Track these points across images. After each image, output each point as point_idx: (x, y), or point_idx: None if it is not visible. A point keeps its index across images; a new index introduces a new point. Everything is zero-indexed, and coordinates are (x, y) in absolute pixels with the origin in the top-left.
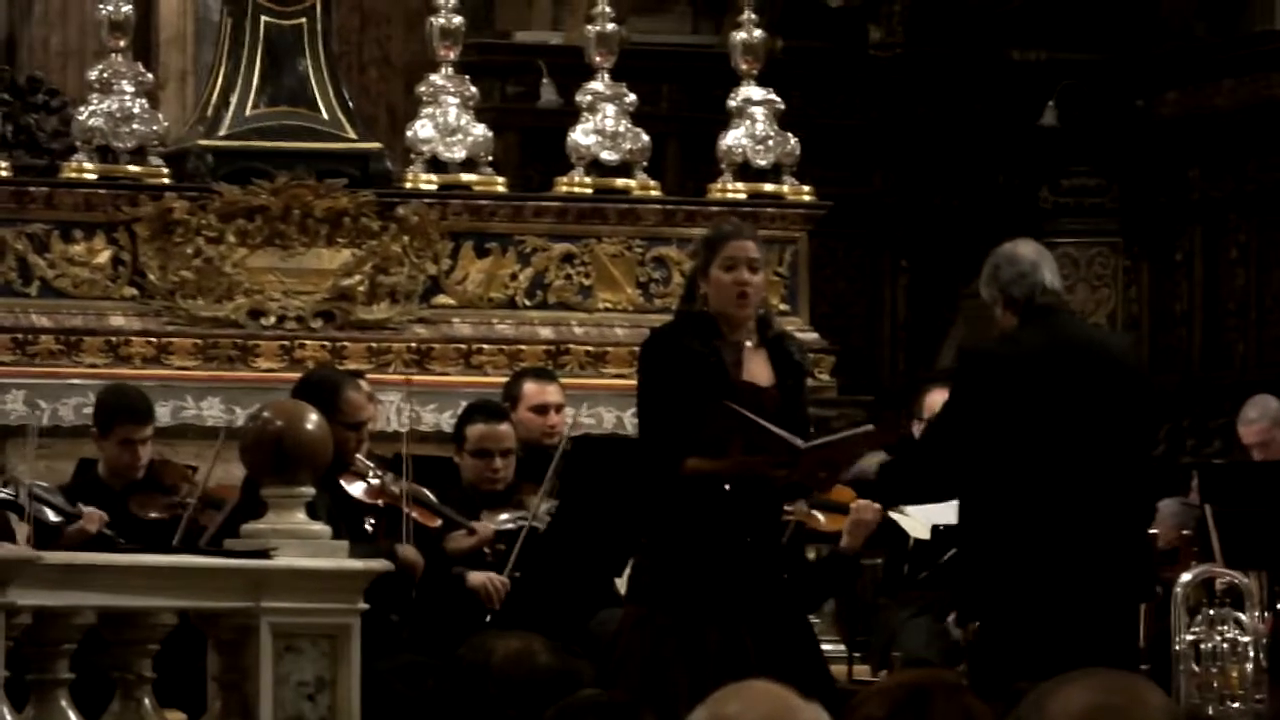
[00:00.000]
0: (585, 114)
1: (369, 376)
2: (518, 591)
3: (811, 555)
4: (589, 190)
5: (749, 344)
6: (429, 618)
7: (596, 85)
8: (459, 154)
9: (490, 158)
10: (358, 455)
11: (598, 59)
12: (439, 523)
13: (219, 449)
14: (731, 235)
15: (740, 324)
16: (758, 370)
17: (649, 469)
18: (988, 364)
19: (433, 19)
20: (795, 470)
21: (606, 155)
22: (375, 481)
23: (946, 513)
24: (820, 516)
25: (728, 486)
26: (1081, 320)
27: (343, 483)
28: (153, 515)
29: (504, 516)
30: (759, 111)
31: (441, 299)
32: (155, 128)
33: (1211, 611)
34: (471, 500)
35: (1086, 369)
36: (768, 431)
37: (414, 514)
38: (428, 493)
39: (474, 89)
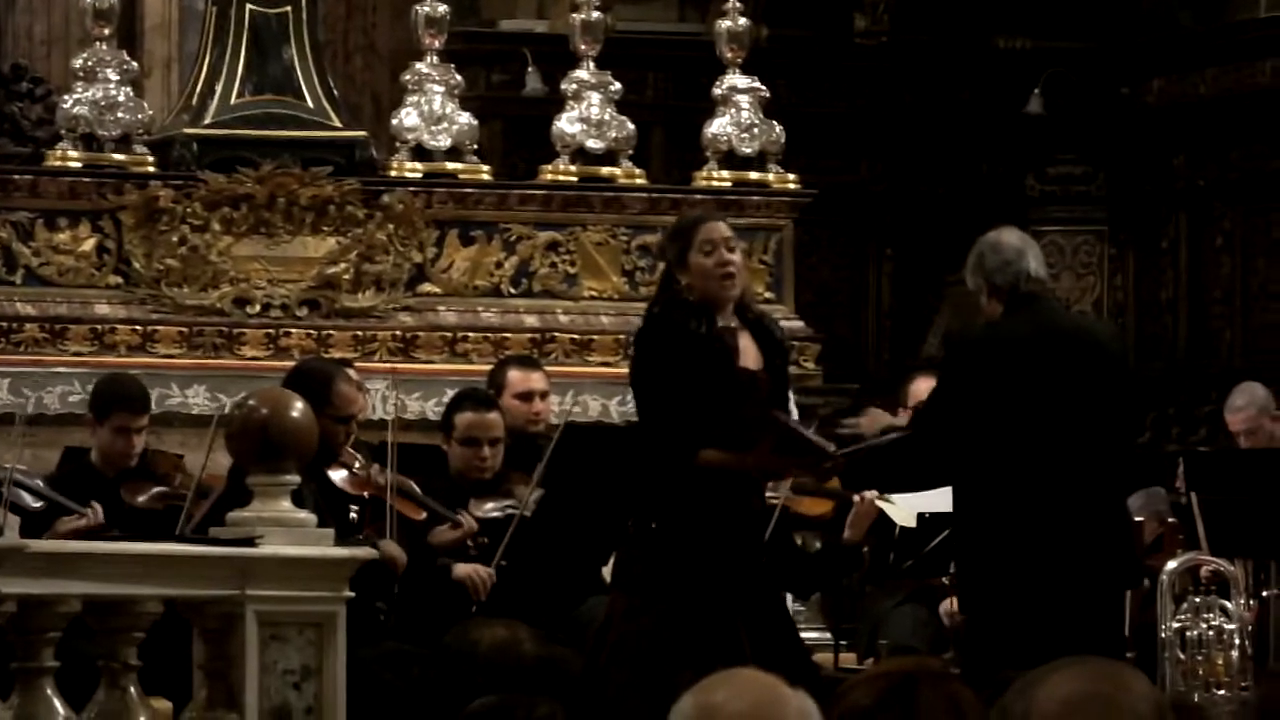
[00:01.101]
0: (570, 102)
1: (356, 365)
2: (504, 579)
3: (798, 541)
4: (574, 178)
5: (735, 326)
6: (414, 609)
7: (582, 73)
8: (444, 142)
9: (475, 146)
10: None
11: (583, 47)
12: (424, 515)
13: (211, 439)
14: (702, 219)
15: (726, 305)
16: (748, 354)
17: (659, 456)
18: (974, 352)
19: (418, 7)
20: (815, 472)
21: (592, 143)
22: (361, 472)
23: (932, 501)
24: (802, 500)
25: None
26: (1066, 308)
27: (329, 472)
28: (144, 504)
29: (490, 505)
30: (744, 100)
31: (427, 287)
32: (140, 116)
33: (1197, 599)
34: (459, 489)
35: (1072, 356)
36: (805, 438)
37: (399, 506)
38: (413, 485)
39: (459, 77)
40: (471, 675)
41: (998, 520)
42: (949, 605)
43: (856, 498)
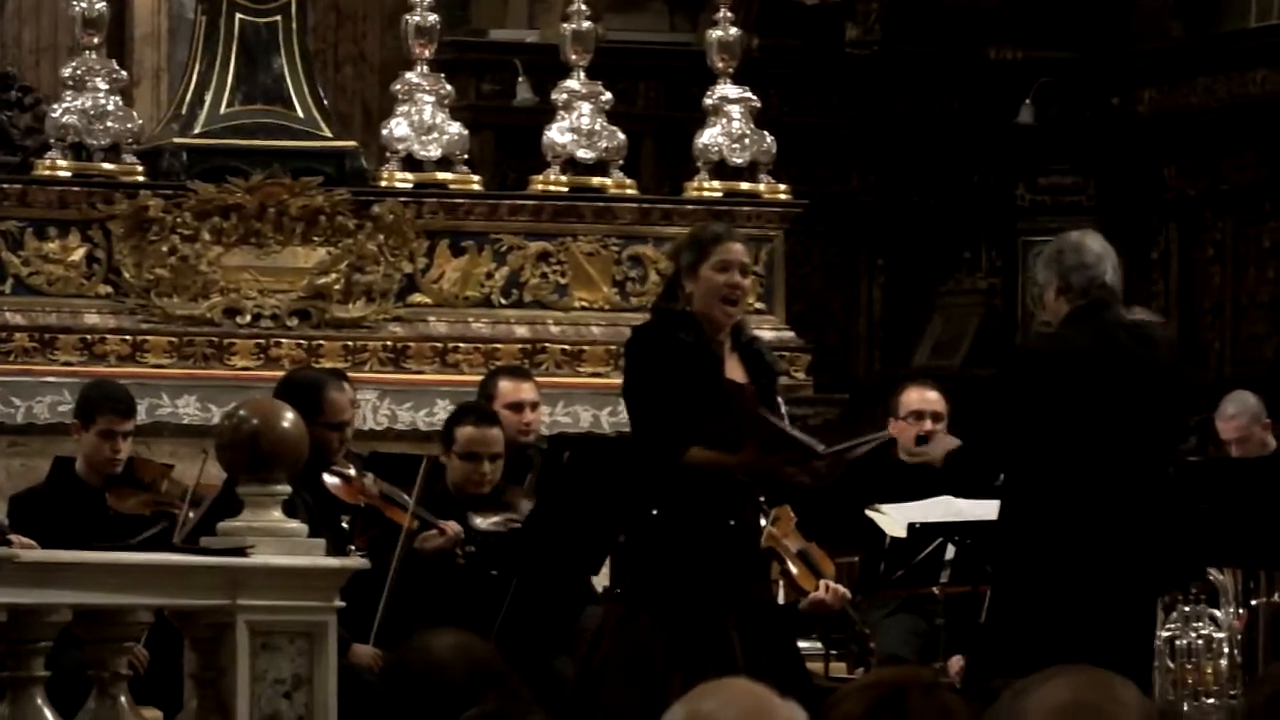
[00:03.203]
0: (561, 112)
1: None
2: (499, 590)
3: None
4: (565, 189)
5: (726, 345)
6: (405, 618)
7: (572, 83)
8: (434, 152)
9: (466, 156)
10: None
11: (574, 57)
12: (415, 525)
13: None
14: (725, 237)
15: (723, 326)
16: (734, 373)
17: (645, 458)
18: (1035, 362)
19: (408, 17)
20: (807, 469)
21: (582, 153)
22: (354, 482)
23: (923, 511)
24: (794, 570)
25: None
26: (1129, 316)
27: (324, 481)
28: (130, 511)
29: (489, 520)
30: (735, 110)
31: (417, 298)
32: (130, 125)
33: (1187, 608)
34: (457, 501)
35: (1129, 371)
36: (788, 435)
37: (390, 514)
38: (404, 495)
39: (449, 87)
40: (433, 684)
41: (1046, 529)
42: None
43: (824, 588)
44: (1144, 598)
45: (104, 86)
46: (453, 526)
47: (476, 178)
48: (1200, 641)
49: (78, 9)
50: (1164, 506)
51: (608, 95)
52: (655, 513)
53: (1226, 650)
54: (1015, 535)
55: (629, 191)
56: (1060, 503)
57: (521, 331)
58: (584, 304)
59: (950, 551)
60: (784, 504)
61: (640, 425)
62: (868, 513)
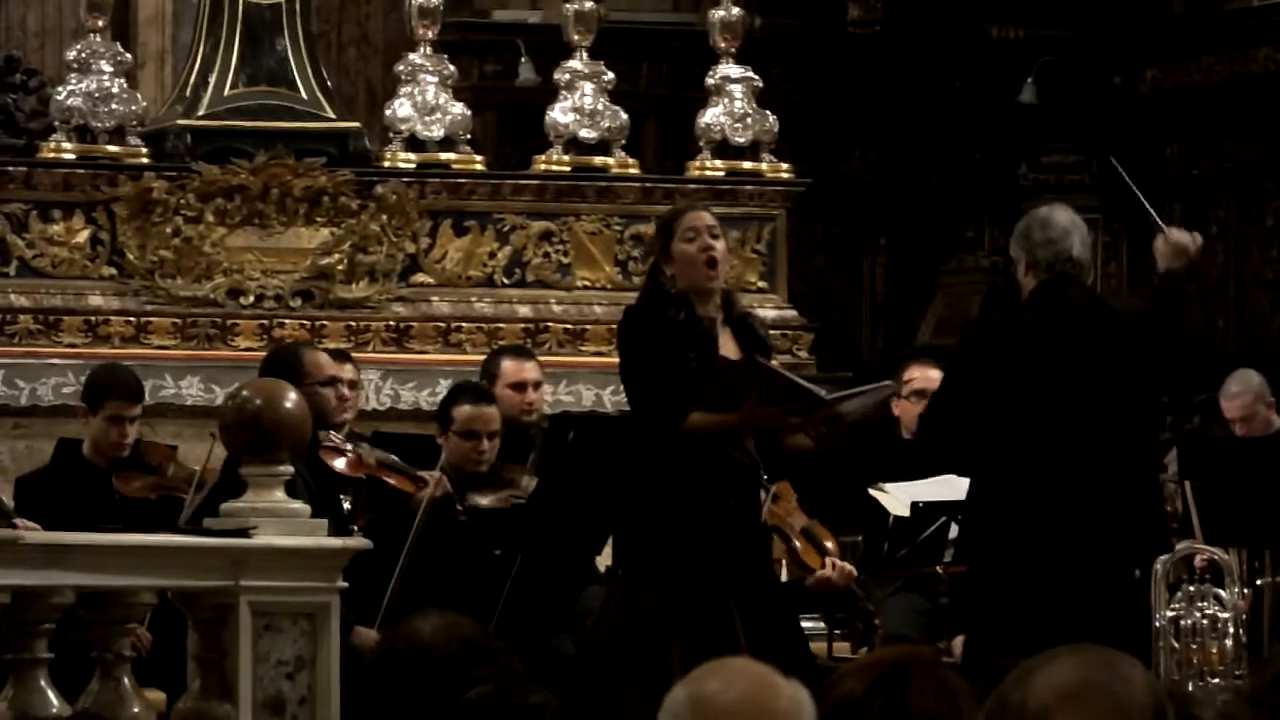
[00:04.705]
0: (563, 92)
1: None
2: (502, 570)
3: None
4: (567, 168)
5: (718, 320)
6: (409, 599)
7: (575, 64)
8: (437, 133)
9: (469, 136)
10: (334, 434)
11: (576, 37)
12: (414, 486)
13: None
14: (686, 209)
15: (710, 294)
16: (727, 348)
17: (648, 431)
18: (989, 336)
19: None
20: (809, 422)
21: (585, 133)
22: (353, 456)
23: (927, 490)
24: (799, 546)
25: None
26: (1093, 292)
27: (322, 458)
28: (136, 494)
29: (497, 496)
30: (737, 89)
31: (420, 277)
32: (134, 107)
33: (1191, 588)
34: (455, 481)
35: (1087, 339)
36: (793, 383)
37: (393, 481)
38: (398, 460)
39: (452, 68)
40: (425, 665)
41: (1015, 507)
42: None
43: (830, 565)
44: (1119, 570)
45: (108, 69)
46: (431, 476)
47: (479, 158)
48: (1205, 621)
49: None
50: (1141, 477)
51: (610, 75)
52: (656, 492)
53: (1231, 630)
54: (985, 513)
55: (631, 171)
56: (1026, 477)
57: (524, 311)
58: (586, 283)
59: (954, 530)
60: (784, 479)
61: (640, 403)
62: (871, 491)
